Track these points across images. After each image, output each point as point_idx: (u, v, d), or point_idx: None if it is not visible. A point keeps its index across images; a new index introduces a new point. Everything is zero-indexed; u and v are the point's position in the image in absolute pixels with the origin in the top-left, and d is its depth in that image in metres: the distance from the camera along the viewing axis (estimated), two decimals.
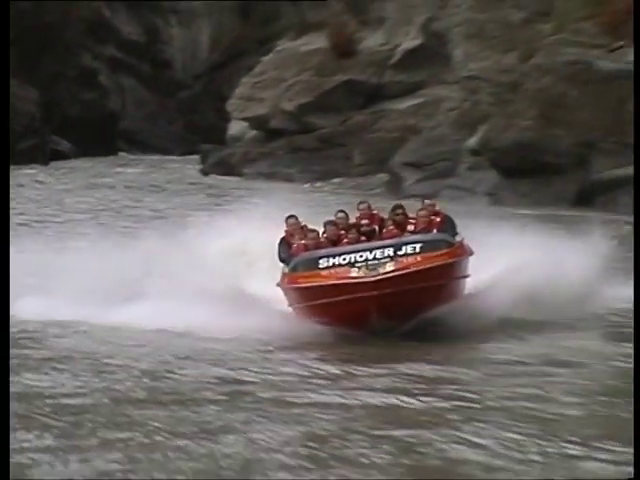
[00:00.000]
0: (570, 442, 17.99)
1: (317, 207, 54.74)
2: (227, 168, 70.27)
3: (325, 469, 17.05)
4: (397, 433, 19.12)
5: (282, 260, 28.14)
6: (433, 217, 27.86)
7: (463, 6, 68.09)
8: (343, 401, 21.33)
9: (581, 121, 60.56)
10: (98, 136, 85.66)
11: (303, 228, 28.33)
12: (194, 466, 17.63)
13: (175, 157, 77.99)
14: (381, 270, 25.18)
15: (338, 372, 24.27)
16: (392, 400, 21.18)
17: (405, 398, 21.09)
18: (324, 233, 27.99)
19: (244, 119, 73.61)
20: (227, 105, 76.09)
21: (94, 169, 78.44)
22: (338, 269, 25.81)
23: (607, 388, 21.81)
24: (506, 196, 60.52)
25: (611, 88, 60.53)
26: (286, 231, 28.51)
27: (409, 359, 24.63)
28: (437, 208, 28.81)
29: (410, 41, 70.28)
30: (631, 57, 58.98)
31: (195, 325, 27.12)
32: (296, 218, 28.37)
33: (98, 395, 21.52)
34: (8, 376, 16.17)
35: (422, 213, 27.59)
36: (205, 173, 71.63)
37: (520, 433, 18.64)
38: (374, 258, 25.52)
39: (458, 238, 27.96)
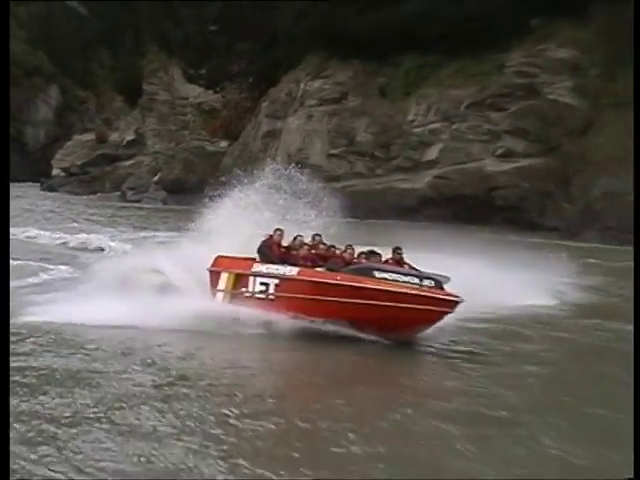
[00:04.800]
0: None
1: (91, 205, 55.93)
2: (51, 188, 68.23)
3: None
4: None
5: (262, 254, 17.00)
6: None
7: (151, 121, 66.01)
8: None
9: (200, 171, 59.41)
10: None
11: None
12: None
13: (29, 183, 75.31)
14: (445, 294, 15.34)
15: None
16: None
17: None
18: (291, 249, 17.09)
19: (59, 168, 71.91)
20: (53, 162, 73.36)
21: None
22: (392, 282, 15.37)
23: None
24: (170, 201, 59.03)
25: (213, 159, 59.58)
26: (271, 237, 16.95)
27: None
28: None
29: (130, 136, 68.54)
30: (223, 144, 61.28)
31: None
32: (281, 230, 17.08)
33: None
34: (8, 376, 9.77)
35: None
36: (42, 190, 68.65)
37: None
38: (409, 282, 15.36)
39: None
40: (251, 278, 16.68)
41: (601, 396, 12.22)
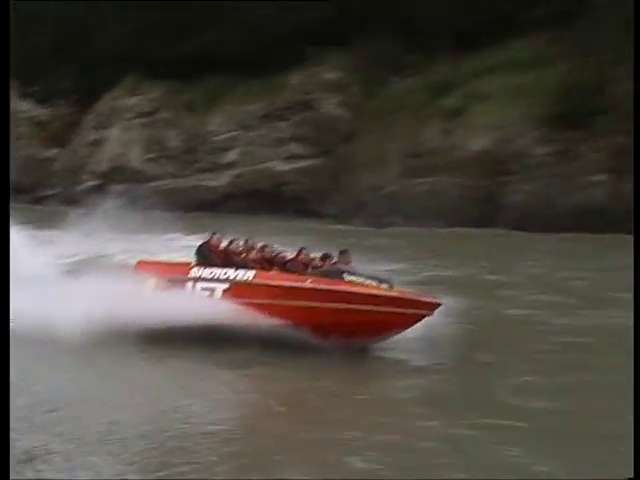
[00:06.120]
0: None
1: None
2: None
3: None
4: None
5: (202, 257, 14.00)
6: None
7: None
8: None
9: (33, 175, 55.41)
10: None
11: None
12: None
13: None
14: (427, 296, 12.80)
15: None
16: None
17: None
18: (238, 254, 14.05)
19: None
20: None
21: None
22: (361, 285, 12.71)
23: None
24: None
25: (44, 164, 56.18)
26: (209, 240, 14.24)
27: None
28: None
29: None
30: (53, 151, 58.74)
31: None
32: (219, 234, 14.48)
33: None
34: (8, 376, 8.18)
35: None
36: None
37: None
38: (372, 284, 12.77)
39: None
40: (189, 283, 13.47)
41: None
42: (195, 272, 13.57)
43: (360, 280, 12.77)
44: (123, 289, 12.85)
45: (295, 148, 45.50)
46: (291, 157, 45.57)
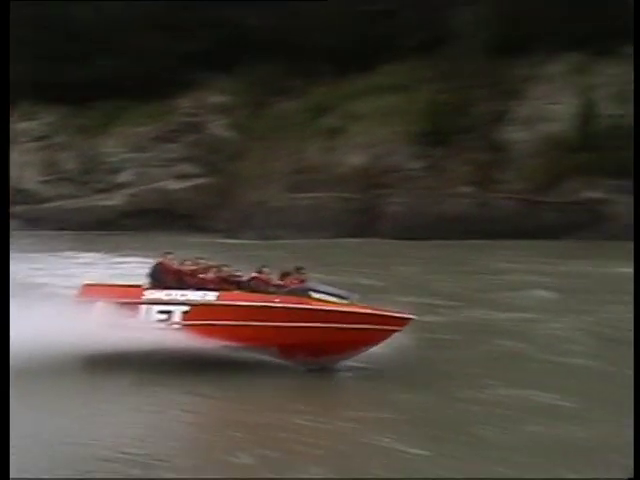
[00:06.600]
0: None
1: None
2: None
3: None
4: None
5: (155, 279, 12.50)
6: None
7: None
8: None
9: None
10: None
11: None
12: None
13: None
14: (397, 312, 12.02)
15: None
16: None
17: None
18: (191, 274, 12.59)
19: None
20: None
21: None
22: (329, 302, 11.84)
23: None
24: None
25: None
26: (163, 261, 12.67)
27: None
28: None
29: None
30: None
31: None
32: (173, 254, 12.85)
33: None
34: (8, 376, 7.91)
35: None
36: None
37: None
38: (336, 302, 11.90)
39: None
40: (143, 307, 12.05)
41: None
42: (151, 295, 12.21)
43: (325, 297, 11.92)
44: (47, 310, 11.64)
45: (185, 168, 45.73)
46: (182, 176, 45.74)
